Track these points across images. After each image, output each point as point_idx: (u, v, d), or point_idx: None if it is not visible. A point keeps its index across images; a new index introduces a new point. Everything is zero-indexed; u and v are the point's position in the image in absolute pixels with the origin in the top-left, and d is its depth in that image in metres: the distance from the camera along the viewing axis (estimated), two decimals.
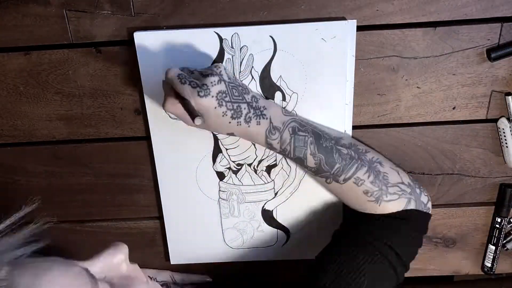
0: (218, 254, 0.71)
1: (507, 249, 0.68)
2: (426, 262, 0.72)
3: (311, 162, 0.56)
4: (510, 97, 0.60)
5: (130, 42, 0.59)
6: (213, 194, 0.67)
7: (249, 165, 0.64)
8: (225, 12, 0.58)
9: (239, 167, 0.65)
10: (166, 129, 0.62)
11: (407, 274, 0.73)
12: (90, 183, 0.67)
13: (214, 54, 0.58)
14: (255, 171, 0.65)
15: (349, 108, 0.61)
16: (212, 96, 0.52)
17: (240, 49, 0.58)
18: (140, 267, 0.50)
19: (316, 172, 0.57)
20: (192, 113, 0.49)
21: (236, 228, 0.69)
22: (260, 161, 0.64)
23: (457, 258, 0.71)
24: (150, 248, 0.72)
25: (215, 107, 0.52)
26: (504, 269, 0.72)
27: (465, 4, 0.57)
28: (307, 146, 0.56)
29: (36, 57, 0.60)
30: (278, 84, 0.60)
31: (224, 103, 0.52)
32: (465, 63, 0.59)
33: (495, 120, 0.62)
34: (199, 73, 0.53)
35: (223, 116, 0.53)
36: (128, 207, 0.69)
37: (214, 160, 0.64)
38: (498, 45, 0.58)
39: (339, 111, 0.61)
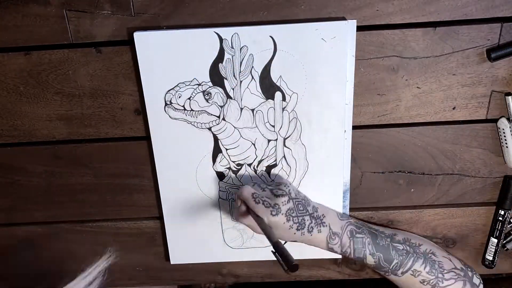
0: (218, 254, 0.71)
1: (507, 249, 0.68)
2: None
3: (370, 260, 0.61)
4: (510, 97, 0.60)
5: (130, 42, 0.59)
6: (213, 194, 0.67)
7: (249, 165, 0.64)
8: (225, 12, 0.58)
9: (239, 167, 0.65)
10: (166, 129, 0.62)
11: None
12: (90, 183, 0.67)
13: (214, 54, 0.58)
14: (255, 171, 0.65)
15: (349, 108, 0.61)
16: (282, 214, 0.57)
17: (240, 49, 0.58)
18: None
19: (376, 268, 0.63)
20: (288, 260, 0.50)
21: (236, 228, 0.69)
22: (260, 161, 0.64)
23: None
24: (150, 248, 0.72)
25: (284, 222, 0.58)
26: (504, 269, 0.72)
27: (465, 4, 0.57)
28: (366, 247, 0.61)
29: (36, 57, 0.60)
30: (278, 84, 0.60)
31: (291, 218, 0.58)
32: (465, 63, 0.59)
33: (495, 120, 0.62)
34: (270, 192, 0.59)
35: (289, 229, 0.58)
36: (128, 207, 0.69)
37: (214, 160, 0.64)
38: (498, 45, 0.58)
39: (339, 111, 0.61)
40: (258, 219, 0.57)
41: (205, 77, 0.59)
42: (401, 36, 0.58)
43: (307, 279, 0.74)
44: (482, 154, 0.64)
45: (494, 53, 0.57)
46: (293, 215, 0.58)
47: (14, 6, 0.58)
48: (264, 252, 0.70)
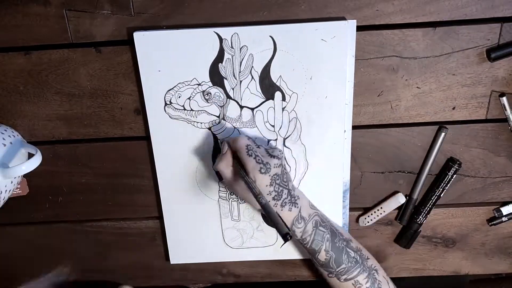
0: (218, 254, 0.71)
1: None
2: (426, 262, 0.72)
3: (322, 256, 0.61)
4: (504, 97, 0.60)
5: (130, 42, 0.59)
6: (213, 194, 0.67)
7: None
8: (225, 12, 0.58)
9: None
10: (166, 129, 0.62)
11: (406, 274, 0.73)
12: (90, 183, 0.67)
13: (214, 54, 0.58)
14: None
15: (349, 108, 0.61)
16: (269, 175, 0.56)
17: (240, 49, 0.58)
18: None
19: (323, 266, 0.62)
20: (280, 230, 0.51)
21: (236, 228, 0.69)
22: None
23: (457, 258, 0.71)
24: (150, 248, 0.72)
25: (266, 185, 0.56)
26: (504, 269, 0.72)
27: (465, 4, 0.57)
28: (324, 242, 0.60)
29: (36, 57, 0.60)
30: (278, 84, 0.60)
31: (274, 184, 0.56)
32: (465, 63, 0.59)
33: (495, 120, 0.62)
34: (265, 151, 0.58)
35: (268, 194, 0.56)
36: (128, 207, 0.69)
37: (214, 160, 0.64)
38: (498, 45, 0.58)
39: (339, 111, 0.61)
40: (241, 172, 0.55)
41: (205, 77, 0.59)
42: (401, 36, 0.58)
43: (307, 279, 0.74)
44: (482, 154, 0.64)
45: (494, 53, 0.58)
46: (277, 182, 0.57)
47: (14, 6, 0.58)
48: (264, 252, 0.70)
